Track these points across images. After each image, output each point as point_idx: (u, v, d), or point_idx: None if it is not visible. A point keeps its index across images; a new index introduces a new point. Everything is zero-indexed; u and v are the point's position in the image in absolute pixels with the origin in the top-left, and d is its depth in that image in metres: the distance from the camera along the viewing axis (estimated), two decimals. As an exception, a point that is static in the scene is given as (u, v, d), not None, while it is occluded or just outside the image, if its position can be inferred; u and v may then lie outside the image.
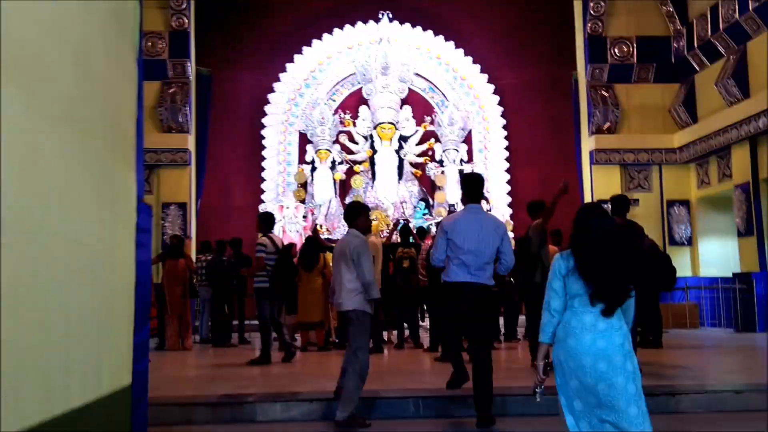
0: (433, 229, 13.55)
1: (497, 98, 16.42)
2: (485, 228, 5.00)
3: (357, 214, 5.25)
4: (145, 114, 13.64)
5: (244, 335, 11.11)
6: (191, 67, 14.08)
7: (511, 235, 14.29)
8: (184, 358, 9.30)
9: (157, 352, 9.88)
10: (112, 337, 3.03)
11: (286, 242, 15.14)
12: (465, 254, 4.94)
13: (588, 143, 14.23)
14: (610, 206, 7.09)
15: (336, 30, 16.45)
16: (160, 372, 7.43)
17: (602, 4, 14.05)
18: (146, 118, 13.58)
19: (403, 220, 15.49)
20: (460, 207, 16.08)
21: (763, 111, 11.17)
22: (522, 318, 10.54)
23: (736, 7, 11.90)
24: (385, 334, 10.39)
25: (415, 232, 11.12)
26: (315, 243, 9.95)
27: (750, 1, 11.48)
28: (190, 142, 13.91)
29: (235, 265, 10.20)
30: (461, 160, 16.56)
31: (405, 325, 10.17)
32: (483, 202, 15.17)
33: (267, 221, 8.30)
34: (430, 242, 10.68)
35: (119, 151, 3.16)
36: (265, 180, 16.06)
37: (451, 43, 16.52)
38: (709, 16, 12.78)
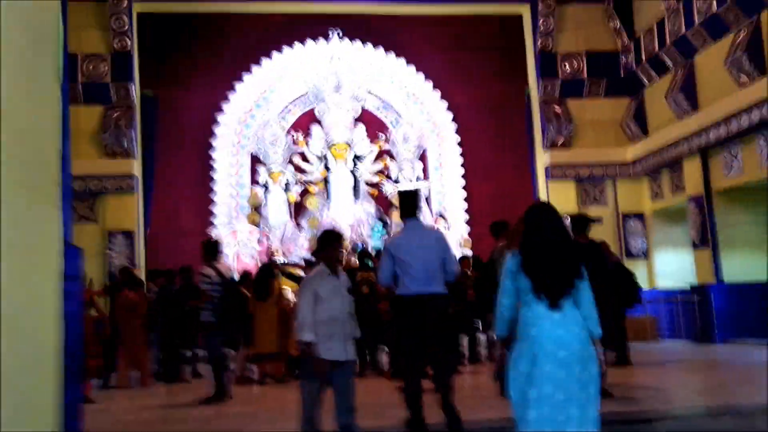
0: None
1: (451, 115, 16.27)
2: (426, 240, 5.18)
3: (325, 244, 4.76)
4: (88, 140, 13.09)
5: (196, 369, 10.55)
6: (135, 90, 13.52)
7: (468, 252, 14.13)
8: (134, 396, 8.72)
9: (104, 391, 9.27)
10: (34, 401, 2.61)
11: (240, 269, 14.88)
12: (414, 269, 5.07)
13: (542, 158, 14.17)
14: (570, 224, 6.93)
15: (286, 48, 16.09)
16: (106, 415, 6.89)
17: (551, 19, 14.06)
18: (89, 143, 13.02)
19: (360, 243, 15.16)
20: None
21: (713, 124, 11.24)
22: (481, 337, 10.31)
23: (682, 21, 12.00)
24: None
25: (374, 254, 10.80)
26: (269, 271, 9.52)
27: (696, 15, 11.58)
28: (136, 167, 13.33)
29: (185, 295, 9.67)
30: (417, 178, 16.32)
31: (366, 352, 9.80)
32: (441, 219, 15.31)
33: (211, 249, 7.84)
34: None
35: (38, 187, 2.75)
36: (216, 204, 15.53)
37: (402, 60, 16.32)
38: (656, 30, 12.89)
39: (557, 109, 13.98)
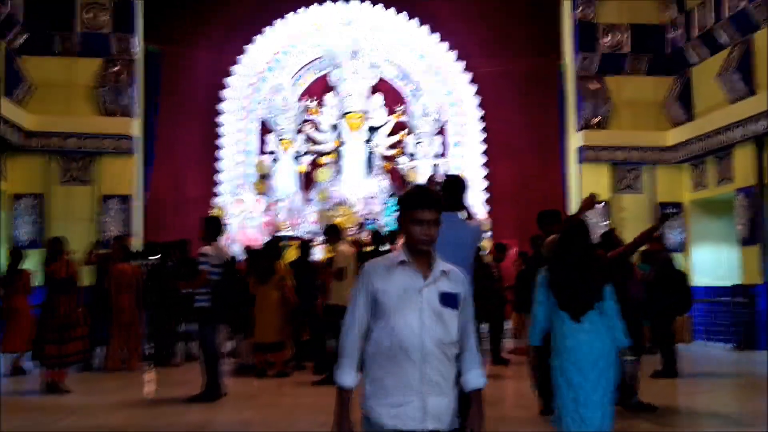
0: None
1: (474, 88, 14.90)
2: (463, 237, 4.32)
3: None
4: (83, 95, 11.74)
5: (190, 350, 9.42)
6: (138, 44, 12.19)
7: (488, 234, 12.92)
8: (116, 386, 7.58)
9: (86, 374, 8.14)
10: None
11: (244, 241, 13.70)
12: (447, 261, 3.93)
13: (575, 139, 12.85)
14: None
15: (302, 9, 14.72)
16: (82, 400, 5.75)
17: (593, -14, 12.63)
18: (84, 99, 11.78)
19: (371, 220, 13.94)
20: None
21: (774, 108, 9.91)
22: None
23: (743, -6, 10.60)
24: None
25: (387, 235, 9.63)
26: (274, 249, 8.31)
27: (760, -13, 10.19)
28: (136, 127, 12.06)
29: (179, 275, 8.41)
30: (435, 154, 15.06)
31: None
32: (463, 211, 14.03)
33: (213, 227, 6.64)
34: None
35: None
36: (221, 171, 14.30)
37: (426, 28, 14.93)
38: (712, 3, 11.45)
39: (594, 85, 12.61)
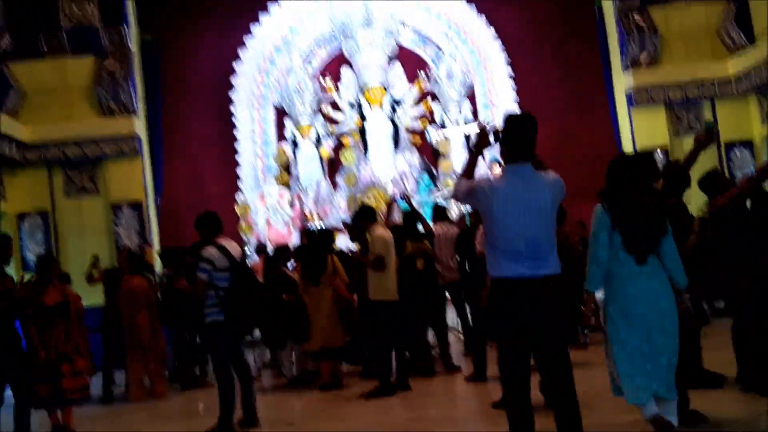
0: (454, 209, 10.61)
1: (499, 43, 13.34)
2: (540, 195, 3.29)
3: None
4: (80, 96, 10.36)
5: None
6: (131, 35, 10.92)
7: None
8: (142, 417, 6.37)
9: (112, 406, 6.97)
10: None
11: (274, 239, 12.46)
12: (515, 239, 3.25)
13: (623, 82, 11.25)
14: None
15: (307, -17, 13.32)
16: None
17: None
18: (82, 101, 10.59)
19: (402, 196, 12.62)
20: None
21: None
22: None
23: None
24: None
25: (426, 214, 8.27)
26: (323, 242, 6.91)
27: None
28: (139, 126, 10.82)
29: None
30: (465, 120, 13.60)
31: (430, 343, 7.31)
32: (497, 165, 12.46)
33: (209, 224, 5.32)
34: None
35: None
36: (240, 165, 13.05)
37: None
38: None
39: (639, 19, 10.97)
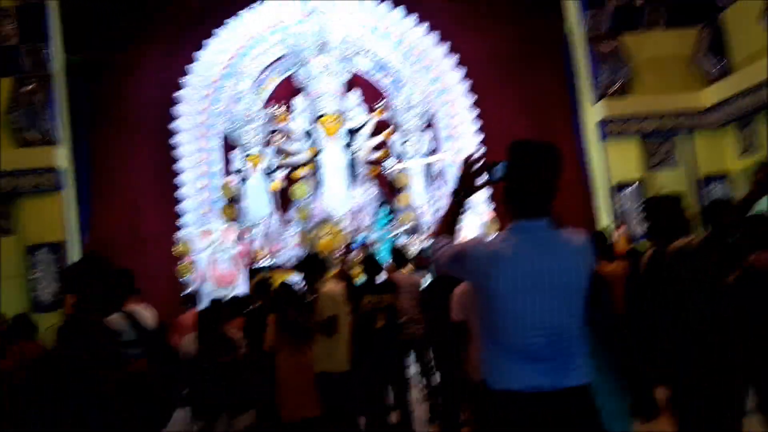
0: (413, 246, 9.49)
1: (463, 71, 12.38)
2: (565, 268, 2.16)
3: None
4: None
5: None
6: (54, 54, 9.54)
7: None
8: None
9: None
10: None
11: (219, 283, 11.10)
12: (530, 332, 2.10)
13: (592, 113, 10.35)
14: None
15: (257, 4, 12.19)
16: None
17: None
18: (-4, 128, 9.10)
19: (362, 238, 11.49)
20: (429, 210, 12.26)
21: None
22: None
23: None
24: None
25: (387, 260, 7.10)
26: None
27: None
28: (61, 157, 9.39)
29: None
30: (425, 152, 12.57)
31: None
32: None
33: (75, 279, 3.94)
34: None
35: None
36: (182, 199, 11.68)
37: (399, 10, 12.42)
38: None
39: (609, 46, 10.13)
